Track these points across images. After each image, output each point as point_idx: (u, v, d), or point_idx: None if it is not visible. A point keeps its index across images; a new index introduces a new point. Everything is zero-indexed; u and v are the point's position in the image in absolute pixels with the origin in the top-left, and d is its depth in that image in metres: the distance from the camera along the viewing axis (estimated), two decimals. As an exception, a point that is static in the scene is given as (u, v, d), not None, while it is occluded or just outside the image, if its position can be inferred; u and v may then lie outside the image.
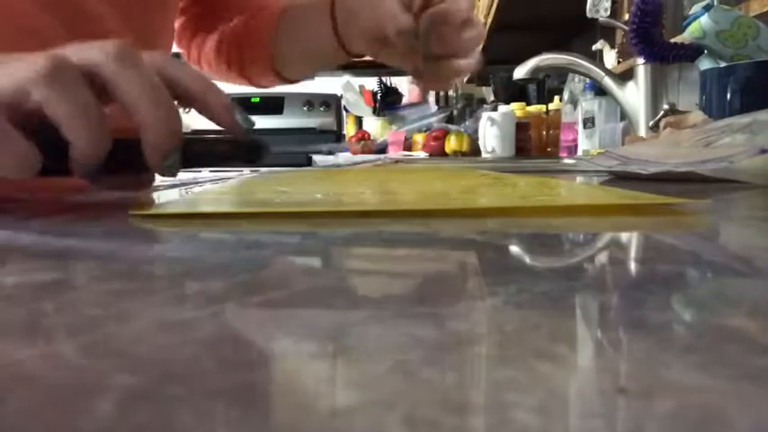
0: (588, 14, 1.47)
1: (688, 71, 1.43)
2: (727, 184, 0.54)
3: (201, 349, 0.14)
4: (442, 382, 0.12)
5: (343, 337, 0.14)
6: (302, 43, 0.70)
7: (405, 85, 2.84)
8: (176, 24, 0.72)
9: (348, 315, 0.16)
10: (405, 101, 2.79)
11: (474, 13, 0.54)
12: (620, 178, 0.71)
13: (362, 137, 2.46)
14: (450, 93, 2.89)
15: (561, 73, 1.95)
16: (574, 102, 1.80)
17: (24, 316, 0.17)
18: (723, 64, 0.99)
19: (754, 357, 0.13)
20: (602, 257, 0.26)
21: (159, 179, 0.54)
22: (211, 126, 0.37)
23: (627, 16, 1.40)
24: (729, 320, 0.15)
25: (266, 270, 0.23)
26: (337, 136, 2.58)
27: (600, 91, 1.57)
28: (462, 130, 2.26)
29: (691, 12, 1.12)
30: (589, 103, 1.68)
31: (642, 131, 1.29)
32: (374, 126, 2.61)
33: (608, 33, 1.89)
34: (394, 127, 2.53)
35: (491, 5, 2.20)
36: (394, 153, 2.30)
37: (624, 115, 1.40)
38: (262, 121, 2.50)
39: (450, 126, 2.36)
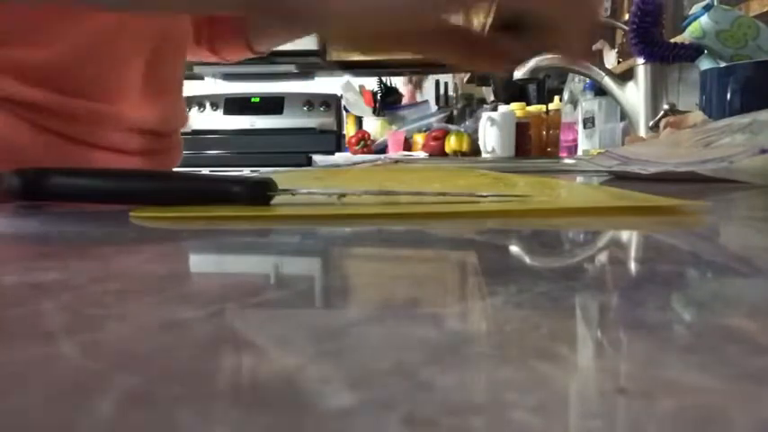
0: (588, 14, 1.47)
1: (688, 71, 1.43)
2: (727, 184, 0.54)
3: (201, 349, 0.14)
4: (442, 382, 0.12)
5: (343, 337, 0.14)
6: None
7: (401, 86, 2.84)
8: None
9: (348, 315, 0.16)
10: (404, 101, 2.79)
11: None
12: (620, 178, 0.71)
13: (362, 137, 2.46)
14: (451, 93, 2.90)
15: (561, 73, 1.95)
16: (574, 102, 1.80)
17: (24, 316, 0.17)
18: (723, 64, 0.99)
19: (754, 357, 0.13)
20: (602, 257, 0.26)
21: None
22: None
23: (627, 16, 1.40)
24: (729, 320, 0.15)
25: (266, 270, 0.23)
26: (337, 136, 2.58)
27: (600, 91, 1.57)
28: (462, 130, 2.26)
29: (691, 12, 1.12)
30: (589, 103, 1.68)
31: (642, 131, 1.29)
32: (374, 126, 2.61)
33: (608, 33, 1.90)
34: (394, 127, 2.53)
35: (491, 5, 2.19)
36: (394, 153, 2.30)
37: (624, 115, 1.40)
38: (262, 122, 2.50)
39: (451, 126, 2.36)
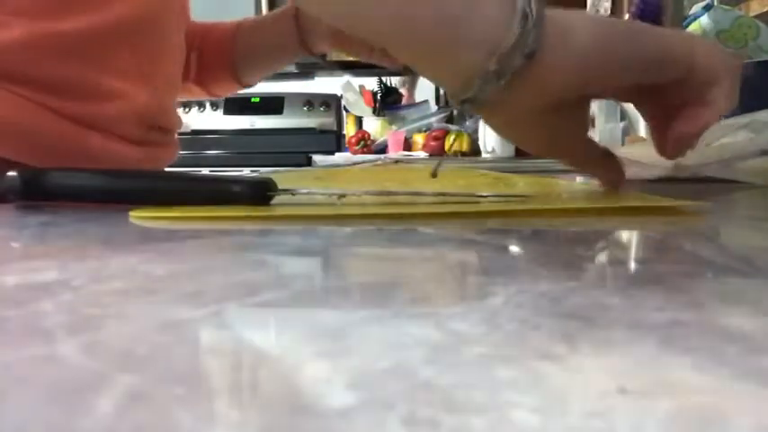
0: (588, 14, 1.47)
1: (688, 71, 1.42)
2: (728, 185, 0.54)
3: (201, 349, 0.14)
4: (441, 382, 0.12)
5: (343, 337, 0.14)
6: (266, 49, 0.74)
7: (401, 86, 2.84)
8: None
9: (348, 315, 0.16)
10: (404, 101, 2.79)
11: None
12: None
13: (362, 137, 2.46)
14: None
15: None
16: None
17: (24, 316, 0.17)
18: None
19: (753, 357, 0.13)
20: (603, 257, 0.26)
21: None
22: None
23: (627, 16, 1.40)
24: (729, 320, 0.15)
25: (266, 270, 0.23)
26: (337, 136, 2.57)
27: (600, 91, 1.56)
28: (462, 130, 2.26)
29: (691, 12, 1.12)
30: (589, 104, 1.67)
31: (642, 131, 1.29)
32: (374, 126, 2.61)
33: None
34: (394, 127, 2.53)
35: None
36: (394, 153, 2.30)
37: (624, 115, 1.40)
38: (262, 122, 2.50)
39: (451, 126, 2.35)
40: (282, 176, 0.61)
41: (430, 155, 2.19)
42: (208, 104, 2.51)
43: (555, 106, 0.37)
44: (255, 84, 0.79)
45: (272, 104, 2.52)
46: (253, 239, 0.30)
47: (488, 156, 1.97)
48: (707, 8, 1.04)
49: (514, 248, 0.27)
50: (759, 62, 0.90)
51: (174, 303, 0.17)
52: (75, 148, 0.56)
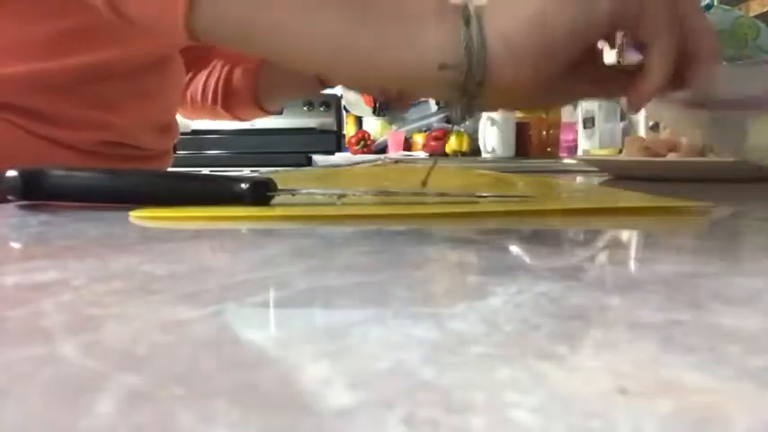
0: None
1: (688, 71, 1.42)
2: (728, 185, 0.54)
3: (201, 349, 0.14)
4: (441, 382, 0.12)
5: (344, 336, 0.14)
6: (286, 79, 0.80)
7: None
8: None
9: (348, 315, 0.16)
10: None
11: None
12: (620, 178, 0.71)
13: (362, 137, 2.46)
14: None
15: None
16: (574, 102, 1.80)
17: (24, 316, 0.17)
18: (723, 63, 0.99)
19: (754, 357, 0.13)
20: (603, 257, 0.26)
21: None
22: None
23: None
24: (729, 320, 0.15)
25: (266, 270, 0.23)
26: (337, 136, 2.57)
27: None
28: (462, 130, 2.26)
29: (691, 12, 1.11)
30: (589, 103, 1.67)
31: (642, 131, 1.29)
32: (374, 126, 2.61)
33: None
34: (394, 127, 2.53)
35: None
36: (394, 153, 2.30)
37: (624, 115, 1.40)
38: (261, 121, 2.50)
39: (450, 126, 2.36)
40: (282, 176, 0.61)
41: (430, 155, 2.19)
42: (208, 104, 2.50)
43: (544, 82, 0.37)
44: (280, 111, 0.85)
45: (273, 104, 2.52)
46: (253, 239, 0.30)
47: (488, 156, 1.97)
48: (707, 8, 1.04)
49: (514, 248, 0.27)
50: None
51: (174, 303, 0.17)
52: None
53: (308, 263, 0.23)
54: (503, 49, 0.34)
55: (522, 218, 0.35)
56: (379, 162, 1.68)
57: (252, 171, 1.44)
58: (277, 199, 0.38)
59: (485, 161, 1.76)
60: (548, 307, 0.17)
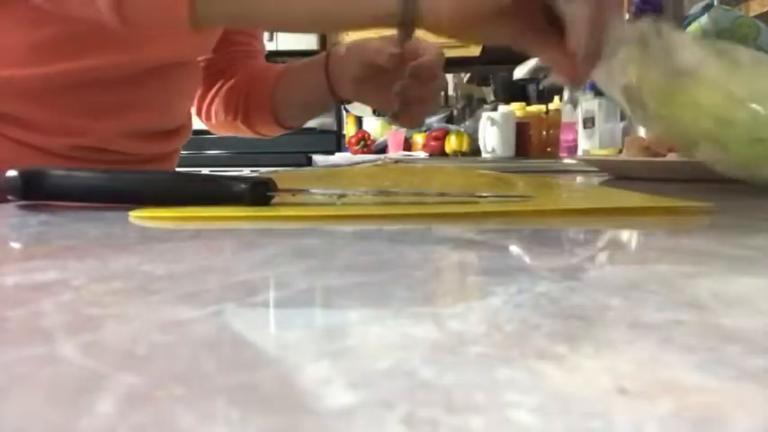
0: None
1: (688, 71, 1.42)
2: (728, 185, 0.54)
3: (201, 349, 0.14)
4: (441, 382, 0.12)
5: (343, 336, 0.14)
6: (301, 95, 0.80)
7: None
8: None
9: (348, 315, 0.16)
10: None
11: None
12: (620, 178, 0.71)
13: (362, 137, 2.46)
14: (451, 93, 2.90)
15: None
16: (574, 102, 1.80)
17: (24, 316, 0.17)
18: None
19: (754, 357, 0.13)
20: (603, 257, 0.26)
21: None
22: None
23: (627, 16, 1.40)
24: (729, 320, 0.15)
25: (266, 270, 0.23)
26: (337, 136, 2.57)
27: (600, 91, 1.56)
28: (462, 130, 2.26)
29: (691, 12, 1.12)
30: (589, 103, 1.67)
31: (642, 131, 1.29)
32: (374, 126, 2.61)
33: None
34: (394, 127, 2.53)
35: None
36: (394, 153, 2.30)
37: (624, 115, 1.40)
38: (262, 122, 2.50)
39: (450, 126, 2.36)
40: (282, 176, 0.61)
41: (430, 155, 2.19)
42: (208, 104, 2.50)
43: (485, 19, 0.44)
44: (299, 126, 0.84)
45: (273, 104, 2.52)
46: (253, 239, 0.30)
47: (488, 156, 1.97)
48: (707, 8, 1.04)
49: (514, 248, 0.27)
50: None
51: (174, 303, 0.17)
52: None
53: (308, 263, 0.23)
54: None
55: (522, 218, 0.35)
56: (379, 162, 1.68)
57: (252, 171, 1.44)
58: (277, 199, 0.38)
59: (485, 161, 1.76)
60: (548, 307, 0.17)
